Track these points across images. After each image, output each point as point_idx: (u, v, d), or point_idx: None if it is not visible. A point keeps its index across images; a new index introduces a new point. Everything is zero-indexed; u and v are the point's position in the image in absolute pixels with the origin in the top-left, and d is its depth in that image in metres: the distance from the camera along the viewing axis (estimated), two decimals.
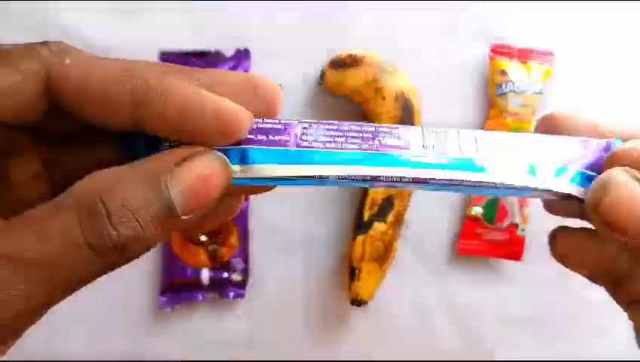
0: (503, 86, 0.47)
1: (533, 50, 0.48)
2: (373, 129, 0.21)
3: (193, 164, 0.17)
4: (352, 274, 0.45)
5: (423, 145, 0.21)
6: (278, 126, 0.20)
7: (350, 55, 0.45)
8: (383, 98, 0.45)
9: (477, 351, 0.49)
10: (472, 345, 0.50)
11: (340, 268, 0.48)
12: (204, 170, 0.17)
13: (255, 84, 0.19)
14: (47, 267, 0.15)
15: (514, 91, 0.47)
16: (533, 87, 0.47)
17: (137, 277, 0.47)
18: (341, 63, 0.45)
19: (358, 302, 0.46)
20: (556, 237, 0.22)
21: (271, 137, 0.20)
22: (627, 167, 0.18)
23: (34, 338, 0.47)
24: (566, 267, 0.23)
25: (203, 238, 0.47)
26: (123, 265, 0.17)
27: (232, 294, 0.47)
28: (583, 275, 0.23)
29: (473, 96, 0.49)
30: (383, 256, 0.45)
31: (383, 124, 0.21)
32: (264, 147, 0.19)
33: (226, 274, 0.47)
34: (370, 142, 0.20)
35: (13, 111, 0.17)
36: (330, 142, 0.20)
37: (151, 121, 0.17)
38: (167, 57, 0.45)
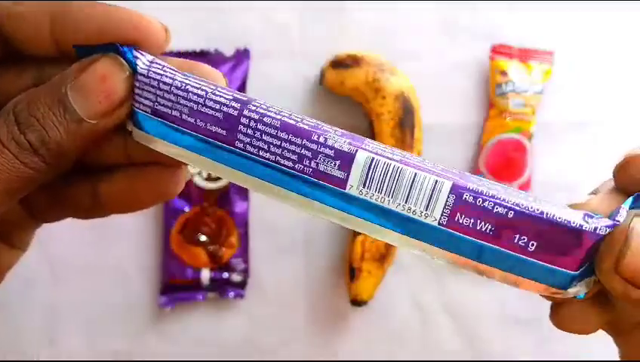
0: (503, 86, 0.47)
1: (533, 50, 0.48)
2: (316, 146, 0.18)
3: (89, 68, 0.18)
4: (352, 274, 0.45)
5: (364, 185, 0.18)
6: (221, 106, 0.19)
7: (350, 55, 0.45)
8: (383, 98, 0.45)
9: (477, 351, 0.49)
10: (471, 345, 0.50)
11: (340, 268, 0.48)
12: (97, 71, 0.18)
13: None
14: None
15: (514, 91, 0.47)
16: (533, 87, 0.47)
17: (137, 276, 0.47)
18: (341, 63, 0.45)
19: (358, 302, 0.46)
20: (559, 307, 0.21)
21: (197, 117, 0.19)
22: None
23: (34, 338, 0.47)
24: (568, 331, 0.21)
25: (203, 238, 0.47)
26: (49, 169, 0.19)
27: (232, 294, 0.47)
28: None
29: (473, 96, 0.49)
30: (383, 256, 0.45)
31: (333, 136, 0.18)
32: (172, 123, 0.19)
33: (226, 274, 0.47)
34: (306, 162, 0.18)
35: None
36: (263, 149, 0.18)
37: (68, 39, 0.19)
38: (167, 57, 0.45)
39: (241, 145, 0.19)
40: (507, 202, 0.17)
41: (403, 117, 0.45)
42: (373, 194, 0.17)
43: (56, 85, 0.18)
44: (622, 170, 0.18)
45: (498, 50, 0.48)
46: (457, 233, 0.17)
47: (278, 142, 0.18)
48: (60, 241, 0.46)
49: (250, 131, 0.18)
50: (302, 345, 0.49)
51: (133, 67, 0.19)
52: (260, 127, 0.18)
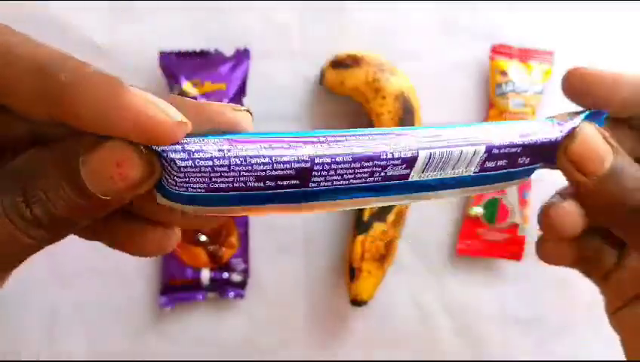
0: (503, 86, 0.47)
1: (533, 50, 0.48)
2: (385, 162, 0.20)
3: (104, 146, 0.17)
4: (352, 274, 0.45)
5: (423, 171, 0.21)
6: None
7: (350, 55, 0.45)
8: (383, 98, 0.45)
9: (477, 351, 0.49)
10: (471, 345, 0.50)
11: (340, 268, 0.48)
12: (114, 155, 0.17)
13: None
14: None
15: (514, 91, 0.47)
16: (533, 87, 0.47)
17: (137, 277, 0.47)
18: (341, 63, 0.45)
19: (358, 302, 0.46)
20: (542, 246, 0.26)
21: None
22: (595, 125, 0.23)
23: (34, 339, 0.47)
24: (549, 264, 0.27)
25: (203, 238, 0.47)
26: (55, 240, 0.18)
27: (232, 294, 0.47)
28: (562, 266, 0.26)
29: (473, 96, 0.49)
30: (383, 256, 0.45)
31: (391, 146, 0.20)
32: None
33: (226, 274, 0.47)
34: (376, 175, 0.20)
35: None
36: (336, 180, 0.20)
37: (66, 120, 0.17)
38: (167, 57, 0.45)
39: (314, 185, 0.20)
40: (515, 144, 0.22)
41: (403, 117, 0.45)
42: (430, 174, 0.21)
43: (67, 157, 0.17)
44: (564, 82, 0.25)
45: (498, 50, 0.48)
46: (486, 173, 0.23)
47: (351, 171, 0.20)
48: (60, 242, 0.46)
49: (323, 173, 0.19)
50: (302, 345, 0.49)
51: (167, 159, 0.18)
52: (333, 166, 0.19)
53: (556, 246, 0.26)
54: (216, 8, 0.47)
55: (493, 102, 0.48)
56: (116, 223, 0.22)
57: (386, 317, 0.49)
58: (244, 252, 0.47)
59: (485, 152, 0.22)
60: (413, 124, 0.45)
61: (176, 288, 0.47)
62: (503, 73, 0.47)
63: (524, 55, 0.48)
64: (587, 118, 0.24)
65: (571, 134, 0.23)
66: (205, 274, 0.47)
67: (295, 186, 0.19)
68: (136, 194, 0.18)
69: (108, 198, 0.17)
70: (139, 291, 0.47)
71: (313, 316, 0.49)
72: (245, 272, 0.47)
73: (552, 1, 0.49)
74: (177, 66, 0.45)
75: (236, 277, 0.47)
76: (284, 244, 0.48)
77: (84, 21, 0.46)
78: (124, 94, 0.16)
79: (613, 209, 0.22)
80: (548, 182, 0.48)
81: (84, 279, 0.47)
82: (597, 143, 0.22)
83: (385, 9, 0.48)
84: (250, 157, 0.18)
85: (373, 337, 0.49)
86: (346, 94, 0.46)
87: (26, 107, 0.17)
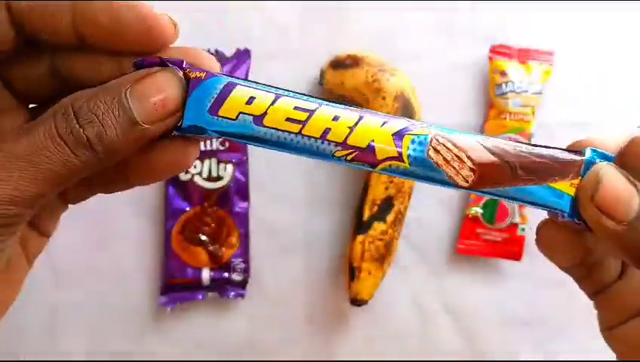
0: (503, 86, 0.47)
1: (533, 51, 0.48)
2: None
3: (150, 76, 0.20)
4: (352, 273, 0.45)
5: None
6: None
7: (350, 55, 0.45)
8: (383, 98, 0.45)
9: (477, 351, 0.50)
10: (471, 344, 0.50)
11: (340, 268, 0.48)
12: (157, 80, 0.20)
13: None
14: (30, 156, 0.19)
15: (514, 91, 0.47)
16: (533, 87, 0.47)
17: (137, 276, 0.47)
18: (341, 63, 0.45)
19: (358, 302, 0.46)
20: (542, 229, 0.24)
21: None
22: (612, 164, 0.21)
23: (34, 338, 0.47)
24: (547, 255, 0.25)
25: (203, 238, 0.47)
26: (98, 165, 0.19)
27: (232, 294, 0.47)
28: (562, 266, 0.25)
29: (473, 96, 0.49)
30: (383, 256, 0.45)
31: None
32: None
33: (226, 274, 0.47)
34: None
35: None
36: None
37: (87, 31, 0.20)
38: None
39: None
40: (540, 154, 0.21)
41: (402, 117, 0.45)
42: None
43: (115, 87, 0.19)
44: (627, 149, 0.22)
45: (498, 51, 0.48)
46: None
47: None
48: (60, 241, 0.46)
49: None
50: (302, 345, 0.49)
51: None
52: None
53: (556, 236, 0.24)
54: (216, 9, 0.47)
55: (493, 103, 0.48)
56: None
57: (386, 317, 0.49)
58: (244, 252, 0.47)
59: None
60: None
61: (177, 288, 0.47)
62: (503, 73, 0.47)
63: (524, 55, 0.48)
64: (597, 157, 0.22)
65: (594, 175, 0.21)
66: (205, 274, 0.47)
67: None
68: (167, 126, 0.20)
69: (148, 127, 0.19)
70: (139, 291, 0.47)
71: (313, 316, 0.49)
72: (245, 272, 0.47)
73: (552, 1, 0.49)
74: None
75: (236, 277, 0.47)
76: (284, 244, 0.48)
77: None
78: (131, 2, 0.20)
79: None
80: None
81: (84, 279, 0.47)
82: (623, 186, 0.20)
83: (385, 9, 0.48)
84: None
85: (373, 337, 0.49)
86: (346, 94, 0.46)
87: (54, 24, 0.20)
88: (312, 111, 0.21)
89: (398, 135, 0.21)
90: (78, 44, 0.20)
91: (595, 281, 0.24)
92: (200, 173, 0.47)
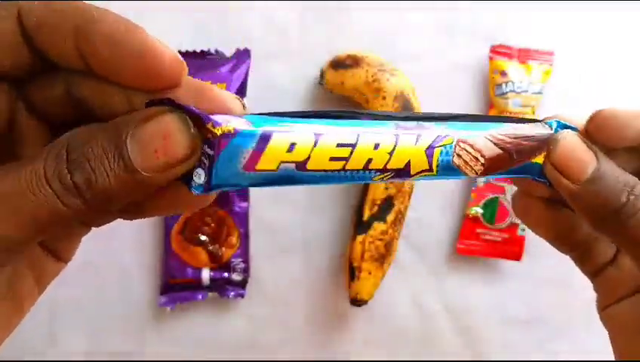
0: (503, 86, 0.47)
1: (533, 50, 0.48)
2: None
3: (153, 119, 0.18)
4: (352, 273, 0.45)
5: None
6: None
7: (350, 55, 0.45)
8: (383, 98, 0.45)
9: (477, 351, 0.50)
10: (471, 344, 0.50)
11: (340, 268, 0.48)
12: (161, 124, 0.18)
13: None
14: (15, 200, 0.17)
15: (514, 91, 0.47)
16: (533, 87, 0.47)
17: (137, 276, 0.47)
18: (341, 63, 0.45)
19: (358, 302, 0.46)
20: (519, 197, 0.26)
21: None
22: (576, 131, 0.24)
23: (34, 339, 0.47)
24: (526, 225, 0.27)
25: (203, 238, 0.47)
26: (88, 212, 0.18)
27: (232, 294, 0.47)
28: (545, 238, 0.26)
29: (473, 97, 0.49)
30: (383, 256, 0.45)
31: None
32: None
33: (226, 274, 0.47)
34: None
35: None
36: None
37: (88, 59, 0.18)
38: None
39: None
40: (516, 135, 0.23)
41: None
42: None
43: (116, 129, 0.18)
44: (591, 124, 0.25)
45: (497, 51, 0.48)
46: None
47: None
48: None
49: None
50: (302, 344, 0.49)
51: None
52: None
53: (531, 207, 0.26)
54: (216, 9, 0.47)
55: (493, 103, 0.48)
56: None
57: (386, 317, 0.49)
58: (244, 251, 0.47)
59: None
60: None
61: (177, 288, 0.47)
62: (503, 73, 0.47)
63: (524, 55, 0.48)
64: (560, 127, 0.25)
65: (553, 140, 0.23)
66: (205, 274, 0.47)
67: None
68: (174, 174, 0.18)
69: (149, 175, 0.18)
70: (139, 291, 0.47)
71: (313, 316, 0.49)
72: (245, 272, 0.47)
73: (552, 1, 0.49)
74: None
75: (236, 277, 0.47)
76: (284, 244, 0.48)
77: None
78: (136, 28, 0.18)
79: (598, 211, 0.22)
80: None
81: (85, 279, 0.47)
82: (579, 149, 0.23)
83: (385, 9, 0.48)
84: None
85: (373, 337, 0.49)
86: (346, 94, 0.46)
87: (59, 47, 0.18)
88: (353, 146, 0.20)
89: (430, 149, 0.21)
90: (86, 70, 0.19)
91: (592, 263, 0.26)
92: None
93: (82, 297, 0.47)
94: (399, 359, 0.49)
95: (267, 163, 0.19)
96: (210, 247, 0.47)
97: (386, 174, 0.21)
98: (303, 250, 0.48)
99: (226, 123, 0.18)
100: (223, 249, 0.47)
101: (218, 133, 0.18)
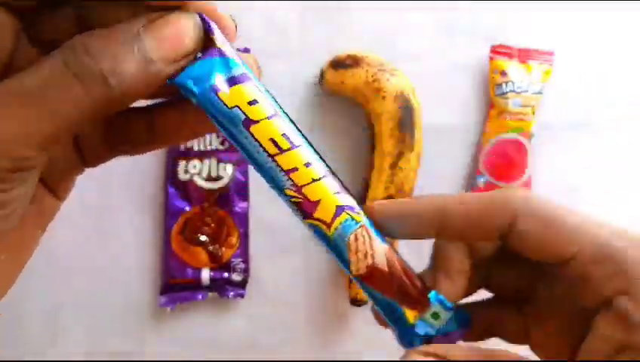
0: (503, 86, 0.47)
1: (533, 50, 0.48)
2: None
3: (166, 16, 0.19)
4: None
5: None
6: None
7: (350, 55, 0.45)
8: (383, 98, 0.45)
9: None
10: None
11: (340, 268, 0.48)
12: (175, 22, 0.19)
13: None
14: (38, 92, 0.17)
15: (514, 91, 0.47)
16: (533, 87, 0.47)
17: (137, 276, 0.47)
18: (341, 63, 0.45)
19: (358, 302, 0.46)
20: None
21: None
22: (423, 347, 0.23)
23: (34, 339, 0.47)
24: None
25: (203, 238, 0.47)
26: (109, 105, 0.18)
27: (232, 294, 0.47)
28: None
29: (473, 96, 0.49)
30: None
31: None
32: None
33: (226, 274, 0.47)
34: None
35: None
36: None
37: None
38: None
39: None
40: None
41: (403, 117, 0.45)
42: None
43: (127, 26, 0.18)
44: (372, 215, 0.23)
45: (498, 51, 0.48)
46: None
47: None
48: (60, 241, 0.46)
49: None
50: (302, 345, 0.49)
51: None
52: None
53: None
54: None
55: (493, 102, 0.48)
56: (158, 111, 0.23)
57: None
58: (244, 251, 0.47)
59: None
60: (413, 125, 0.45)
61: (177, 288, 0.47)
62: (503, 73, 0.47)
63: (524, 55, 0.48)
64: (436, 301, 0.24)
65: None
66: (205, 274, 0.47)
67: None
68: (181, 67, 0.19)
69: (162, 67, 0.19)
70: (139, 291, 0.47)
71: (313, 316, 0.49)
72: (245, 272, 0.47)
73: (552, 1, 0.49)
74: None
75: (236, 277, 0.47)
76: (284, 244, 0.48)
77: None
78: None
79: None
80: (548, 182, 0.48)
81: (85, 279, 0.47)
82: None
83: (385, 9, 0.48)
84: None
85: (373, 337, 0.49)
86: (346, 94, 0.46)
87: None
88: (294, 146, 0.21)
89: (341, 208, 0.22)
90: None
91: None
92: (200, 173, 0.47)
93: (82, 297, 0.47)
94: (399, 359, 0.49)
95: (229, 98, 0.20)
96: (210, 247, 0.47)
97: (297, 196, 0.22)
98: (303, 250, 0.48)
99: (224, 44, 0.20)
100: (223, 249, 0.47)
101: (217, 45, 0.20)
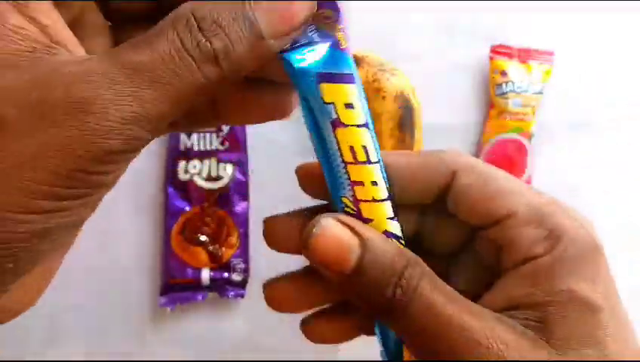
0: (503, 86, 0.47)
1: (533, 50, 0.48)
2: None
3: None
4: None
5: None
6: None
7: None
8: (383, 98, 0.45)
9: None
10: None
11: None
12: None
13: None
14: (154, 71, 0.17)
15: (514, 91, 0.47)
16: (533, 87, 0.47)
17: (137, 276, 0.47)
18: None
19: None
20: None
21: None
22: (337, 214, 0.21)
23: (34, 339, 0.47)
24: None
25: (203, 238, 0.47)
26: (218, 84, 0.18)
27: (232, 294, 0.47)
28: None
29: (473, 96, 0.49)
30: None
31: None
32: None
33: (226, 274, 0.47)
34: None
35: None
36: None
37: None
38: None
39: None
40: None
41: (403, 117, 0.45)
42: None
43: (238, 1, 0.18)
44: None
45: (498, 51, 0.48)
46: None
47: None
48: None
49: None
50: (301, 344, 0.49)
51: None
52: None
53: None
54: None
55: (493, 102, 0.48)
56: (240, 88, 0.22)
57: None
58: (244, 251, 0.47)
59: None
60: (413, 125, 0.45)
61: (177, 288, 0.47)
62: (503, 73, 0.47)
63: (524, 55, 0.48)
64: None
65: (309, 228, 0.21)
66: (205, 274, 0.47)
67: None
68: (288, 42, 0.19)
69: (272, 42, 0.18)
70: (139, 291, 0.47)
71: None
72: (245, 272, 0.47)
73: (552, 1, 0.49)
74: None
75: (236, 277, 0.47)
76: None
77: None
78: None
79: (370, 305, 0.21)
80: (548, 181, 0.48)
81: (85, 279, 0.47)
82: (339, 238, 0.21)
83: (385, 9, 0.48)
84: None
85: (373, 337, 0.49)
86: None
87: None
88: (369, 162, 0.21)
89: (389, 234, 0.21)
90: None
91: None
92: (200, 173, 0.47)
93: (82, 297, 0.47)
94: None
95: (329, 92, 0.20)
96: (210, 247, 0.47)
97: (351, 206, 0.21)
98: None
99: (346, 39, 0.21)
100: (223, 249, 0.47)
101: (339, 37, 0.21)
